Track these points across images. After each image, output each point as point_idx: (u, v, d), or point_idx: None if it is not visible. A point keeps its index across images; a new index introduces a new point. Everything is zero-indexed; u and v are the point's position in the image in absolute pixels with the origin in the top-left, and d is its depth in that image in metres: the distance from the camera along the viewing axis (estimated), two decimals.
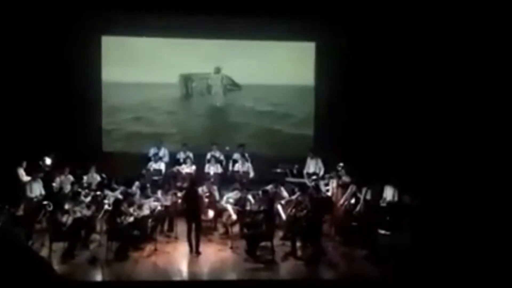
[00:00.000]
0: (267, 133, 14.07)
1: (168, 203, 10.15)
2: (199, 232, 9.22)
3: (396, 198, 10.05)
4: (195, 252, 9.06)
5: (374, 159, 11.79)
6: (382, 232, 9.51)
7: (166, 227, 10.24)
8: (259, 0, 12.36)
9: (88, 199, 9.87)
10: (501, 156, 10.95)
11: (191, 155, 12.24)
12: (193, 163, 12.00)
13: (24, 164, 10.82)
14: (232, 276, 8.49)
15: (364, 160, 11.57)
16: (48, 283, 5.93)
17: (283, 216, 9.74)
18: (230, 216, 9.90)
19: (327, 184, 10.98)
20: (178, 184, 11.33)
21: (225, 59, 13.77)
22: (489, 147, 11.18)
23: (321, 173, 11.77)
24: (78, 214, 9.16)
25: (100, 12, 12.74)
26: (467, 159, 11.26)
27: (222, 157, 12.30)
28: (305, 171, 12.00)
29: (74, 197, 9.57)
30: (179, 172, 11.74)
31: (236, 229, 9.94)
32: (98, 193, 10.29)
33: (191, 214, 9.25)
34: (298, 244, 9.28)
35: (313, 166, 12.00)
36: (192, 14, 12.84)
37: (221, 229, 10.34)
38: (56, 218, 9.07)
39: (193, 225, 9.13)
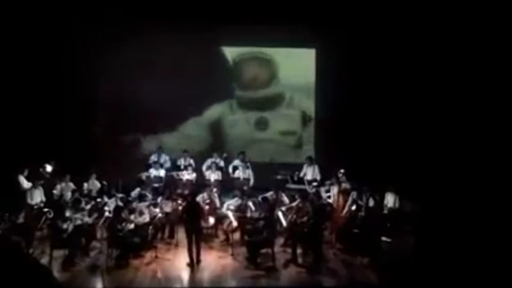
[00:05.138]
0: (267, 139, 14.12)
1: (168, 209, 10.14)
2: (200, 242, 9.12)
3: (397, 205, 10.04)
4: (196, 262, 8.92)
5: (375, 165, 11.79)
6: (383, 239, 9.48)
7: (166, 234, 10.23)
8: (258, 6, 12.40)
9: (89, 206, 9.85)
10: (501, 162, 10.94)
11: (192, 161, 12.26)
12: (194, 170, 12.01)
13: (25, 171, 10.83)
14: (232, 283, 8.45)
15: (365, 167, 11.56)
16: None
17: (284, 223, 9.70)
18: (230, 223, 9.87)
19: (328, 191, 10.97)
20: (179, 191, 11.33)
21: None
22: (489, 153, 11.18)
23: (318, 179, 11.78)
24: (79, 222, 9.15)
25: (105, 17, 12.78)
26: (468, 165, 11.25)
27: (222, 164, 12.30)
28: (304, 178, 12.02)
29: (75, 204, 9.55)
30: (179, 179, 11.74)
31: (236, 236, 9.92)
32: (99, 200, 10.30)
33: (191, 226, 9.07)
34: (299, 251, 9.26)
35: (310, 173, 12.01)
36: (194, 22, 12.89)
37: (221, 236, 10.29)
38: (57, 225, 9.07)
39: (193, 237, 9.00)
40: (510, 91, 11.13)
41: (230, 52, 14.13)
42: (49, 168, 11.29)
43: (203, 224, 9.60)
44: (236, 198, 10.38)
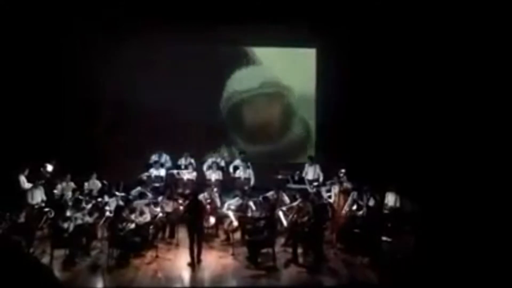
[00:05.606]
0: (269, 139, 14.12)
1: (169, 209, 10.14)
2: (201, 242, 9.14)
3: (397, 205, 10.05)
4: (196, 262, 8.93)
5: (376, 165, 11.79)
6: (384, 238, 9.49)
7: (167, 233, 10.24)
8: (258, 6, 12.40)
9: (89, 206, 9.86)
10: (501, 162, 10.95)
11: (192, 161, 12.27)
12: (194, 169, 12.01)
13: (26, 171, 10.83)
14: (233, 283, 8.45)
15: (365, 167, 11.56)
16: None
17: (285, 223, 9.72)
18: (231, 222, 9.89)
19: (329, 191, 10.98)
20: (179, 190, 11.33)
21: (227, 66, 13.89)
22: (489, 153, 11.19)
23: (320, 179, 11.78)
24: (80, 221, 9.17)
25: (105, 17, 12.76)
26: (468, 166, 11.25)
27: (223, 164, 12.30)
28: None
29: (76, 204, 9.56)
30: (180, 178, 11.74)
31: (237, 235, 9.94)
32: (99, 199, 10.30)
33: (193, 224, 9.10)
34: (299, 250, 9.26)
35: (311, 172, 12.02)
36: (194, 22, 12.88)
37: (222, 236, 10.30)
38: (58, 225, 9.09)
39: (195, 235, 9.02)
40: (510, 91, 11.14)
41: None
42: (49, 167, 11.31)
43: (204, 223, 9.60)
44: (237, 198, 10.38)
